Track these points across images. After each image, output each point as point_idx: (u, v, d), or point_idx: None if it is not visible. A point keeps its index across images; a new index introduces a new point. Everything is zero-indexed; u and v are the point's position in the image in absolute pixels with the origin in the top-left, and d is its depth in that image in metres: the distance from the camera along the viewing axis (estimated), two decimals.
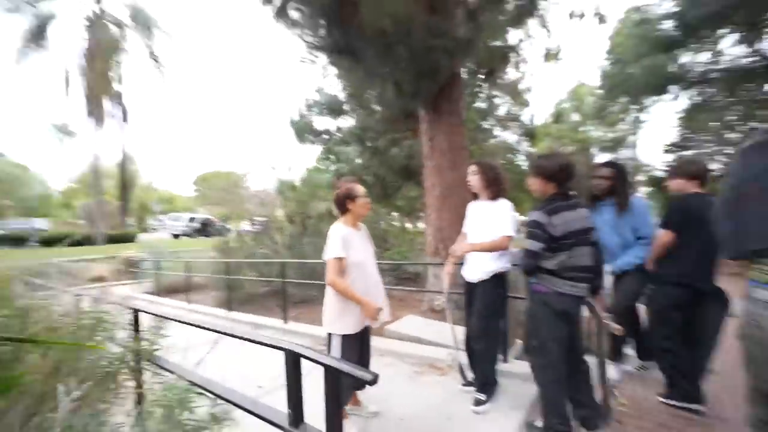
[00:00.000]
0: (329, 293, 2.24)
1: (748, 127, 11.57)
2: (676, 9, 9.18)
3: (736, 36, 9.49)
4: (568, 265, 1.98)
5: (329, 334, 2.20)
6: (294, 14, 4.72)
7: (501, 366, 2.77)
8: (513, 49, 6.07)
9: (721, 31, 9.24)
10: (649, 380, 2.79)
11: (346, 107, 13.45)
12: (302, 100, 13.95)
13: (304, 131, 11.33)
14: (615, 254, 2.72)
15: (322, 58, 6.86)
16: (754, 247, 1.26)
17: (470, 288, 2.50)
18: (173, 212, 30.53)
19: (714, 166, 10.70)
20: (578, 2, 14.13)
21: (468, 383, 2.72)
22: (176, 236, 24.87)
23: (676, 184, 2.50)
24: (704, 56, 10.25)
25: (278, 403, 1.30)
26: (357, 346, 2.21)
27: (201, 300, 6.94)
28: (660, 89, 10.47)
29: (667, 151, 14.97)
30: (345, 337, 2.15)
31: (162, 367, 1.70)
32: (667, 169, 15.09)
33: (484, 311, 2.38)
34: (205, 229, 26.88)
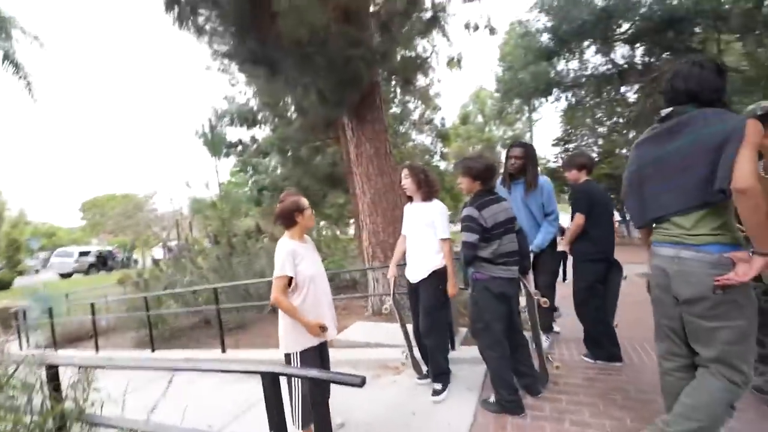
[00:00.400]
0: (281, 312, 2.16)
1: (612, 121, 14.01)
2: (551, 24, 10.70)
3: (594, 48, 11.45)
4: (500, 252, 2.22)
5: (286, 355, 2.12)
6: (200, 21, 4.44)
7: (451, 354, 2.94)
8: (426, 59, 6.47)
9: (585, 43, 11.03)
10: (571, 342, 3.23)
11: (260, 117, 12.95)
12: (210, 110, 12.97)
13: (217, 144, 10.57)
14: (530, 234, 2.96)
15: (232, 66, 6.54)
16: (652, 216, 1.56)
17: (413, 287, 2.62)
18: (59, 247, 25.87)
19: (593, 154, 12.73)
20: (472, 15, 15.48)
21: (423, 376, 2.85)
22: (66, 275, 21.08)
23: (572, 175, 2.95)
24: (574, 64, 12.12)
25: None
26: (317, 361, 2.16)
27: (115, 344, 6.03)
28: (545, 92, 12.07)
29: (554, 145, 17.40)
30: (303, 354, 2.10)
31: (98, 424, 1.49)
32: (555, 160, 17.57)
33: (430, 307, 2.52)
34: (103, 262, 23.32)
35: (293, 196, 2.19)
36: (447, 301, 2.57)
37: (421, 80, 13.13)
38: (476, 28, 7.46)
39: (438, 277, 2.50)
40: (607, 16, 9.46)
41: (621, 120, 13.33)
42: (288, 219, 2.16)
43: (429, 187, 2.57)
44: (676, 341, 1.45)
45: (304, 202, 2.18)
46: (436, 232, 2.53)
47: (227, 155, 13.99)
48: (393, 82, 9.94)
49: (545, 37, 11.31)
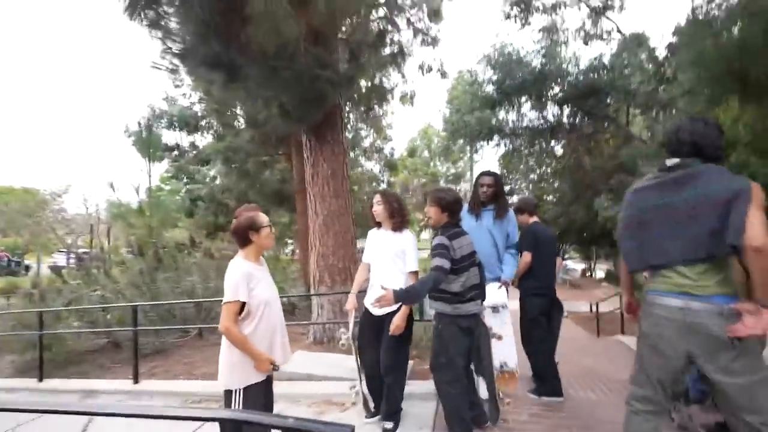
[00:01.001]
0: (225, 342, 1.88)
1: (542, 170, 15.53)
2: (496, 77, 11.75)
3: (530, 104, 12.79)
4: (467, 285, 2.19)
5: (227, 392, 1.83)
6: (157, 13, 4.06)
7: None
8: (388, 91, 6.63)
9: (523, 98, 12.25)
10: (522, 379, 3.29)
11: (203, 123, 12.11)
12: (146, 109, 11.83)
13: (149, 145, 9.57)
14: (491, 263, 2.85)
15: (183, 67, 6.08)
16: (654, 262, 1.51)
17: (375, 320, 2.48)
18: None
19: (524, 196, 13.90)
20: (427, 58, 16.47)
21: (372, 414, 2.65)
22: None
23: (523, 218, 3.13)
24: (513, 115, 13.36)
25: None
26: (262, 399, 1.89)
27: None
28: (487, 136, 13.06)
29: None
30: (248, 391, 1.83)
31: None
32: None
33: (395, 343, 2.38)
34: None
35: (250, 211, 1.97)
36: (410, 336, 2.46)
37: (376, 110, 13.60)
38: (429, 69, 7.91)
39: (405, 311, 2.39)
40: (543, 78, 10.68)
41: (549, 170, 14.84)
42: (242, 237, 1.93)
43: (401, 216, 2.50)
44: (659, 391, 1.46)
45: (262, 219, 1.97)
46: (405, 263, 2.44)
47: (160, 159, 12.80)
48: (348, 108, 10.04)
49: (490, 88, 12.37)
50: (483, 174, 3.03)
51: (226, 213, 13.42)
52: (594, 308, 8.78)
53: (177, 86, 11.06)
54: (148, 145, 8.57)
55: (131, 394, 3.74)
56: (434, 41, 6.37)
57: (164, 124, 11.88)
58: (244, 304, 1.83)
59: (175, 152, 14.28)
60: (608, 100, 10.30)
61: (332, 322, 4.66)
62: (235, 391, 1.81)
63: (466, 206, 2.91)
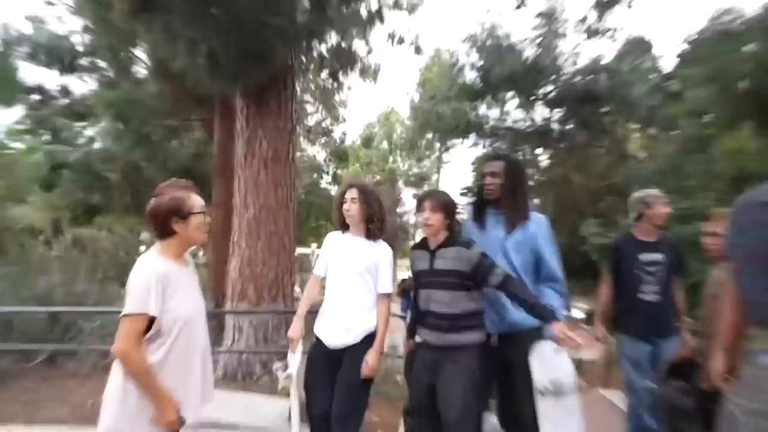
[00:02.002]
0: (116, 371, 1.66)
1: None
2: (481, 62, 12.28)
3: (517, 101, 13.54)
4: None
5: None
6: None
7: None
8: (360, 58, 6.57)
9: (509, 94, 12.93)
10: None
11: (84, 62, 11.05)
12: None
13: (6, 82, 8.52)
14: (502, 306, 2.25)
15: None
16: None
17: (331, 354, 2.37)
18: None
19: None
20: (398, 26, 16.78)
21: None
22: None
23: None
24: (495, 112, 14.04)
25: None
26: None
27: None
28: (464, 133, 13.57)
29: (462, 194, 19.47)
30: None
31: None
32: (462, 212, 19.62)
33: (356, 384, 2.28)
34: None
35: (177, 190, 1.77)
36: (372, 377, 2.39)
37: (328, 82, 13.44)
38: (401, 41, 8.01)
39: (370, 341, 2.31)
40: (536, 72, 11.38)
41: (530, 183, 15.77)
42: (162, 225, 1.72)
43: (381, 222, 2.42)
44: None
45: (195, 202, 1.78)
46: (376, 282, 2.37)
47: (11, 103, 11.44)
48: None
49: (473, 75, 12.91)
50: (489, 158, 2.58)
51: (104, 191, 12.36)
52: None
53: (49, 3, 10.02)
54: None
55: None
56: (412, 7, 6.44)
57: (22, 55, 10.70)
58: (153, 319, 1.63)
59: (36, 96, 12.93)
60: (605, 109, 11.20)
61: (253, 351, 4.45)
62: None
63: (466, 212, 2.60)
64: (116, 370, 1.66)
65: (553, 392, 2.01)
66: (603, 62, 11.25)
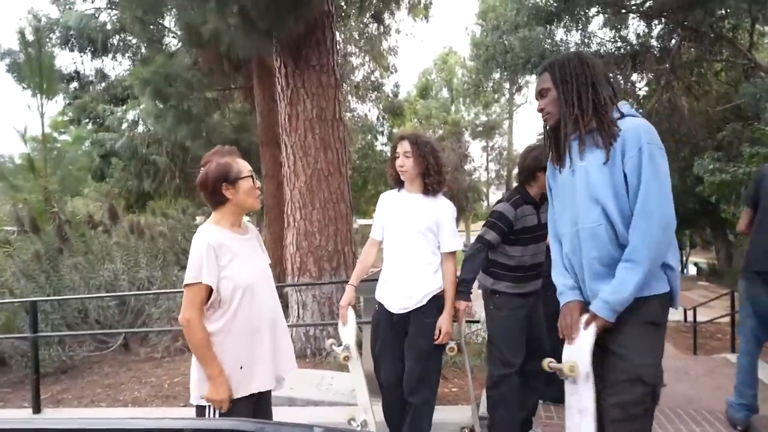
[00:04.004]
0: None
1: None
2: None
3: (603, 18, 12.57)
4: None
5: (198, 408, 1.87)
6: None
7: None
8: None
9: (593, 11, 12.02)
10: None
11: (115, 41, 11.73)
12: (25, 16, 11.39)
13: (45, 71, 9.33)
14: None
15: None
16: None
17: (395, 320, 2.50)
18: None
19: None
20: None
21: None
22: None
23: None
24: (576, 36, 13.16)
25: None
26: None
27: None
28: (537, 67, 12.89)
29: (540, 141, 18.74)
30: (228, 409, 1.87)
31: None
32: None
33: (425, 350, 2.42)
34: None
35: (222, 156, 1.94)
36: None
37: (372, 28, 13.27)
38: None
39: (439, 305, 2.42)
40: None
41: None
42: (213, 194, 1.91)
43: (439, 174, 2.47)
44: None
45: (241, 166, 1.95)
46: (440, 240, 2.44)
47: (52, 94, 12.50)
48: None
49: None
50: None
51: (153, 175, 13.33)
52: (689, 317, 8.93)
53: None
54: (39, 69, 8.34)
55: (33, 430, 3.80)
56: None
57: (55, 40, 11.53)
58: (213, 289, 1.83)
59: (75, 84, 13.96)
60: (723, 11, 10.07)
61: (320, 324, 4.74)
62: (209, 407, 1.85)
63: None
64: None
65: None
66: None
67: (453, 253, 2.49)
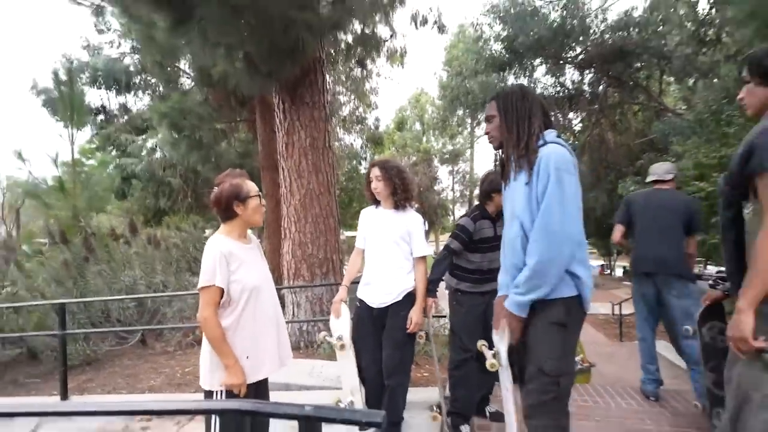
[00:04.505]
0: (205, 339, 1.89)
1: None
2: (505, 33, 11.80)
3: (545, 67, 12.95)
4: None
5: (207, 393, 1.84)
6: None
7: None
8: (383, 41, 6.57)
9: (537, 61, 12.39)
10: None
11: (137, 80, 11.66)
12: (59, 59, 11.28)
13: (71, 105, 9.18)
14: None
15: (114, 4, 5.87)
16: None
17: (375, 314, 2.52)
18: None
19: None
20: (421, 7, 16.37)
21: (363, 426, 2.70)
22: None
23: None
24: (524, 81, 13.50)
25: None
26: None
27: None
28: None
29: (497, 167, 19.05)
30: (233, 394, 1.85)
31: None
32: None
33: (401, 339, 2.44)
34: None
35: (234, 177, 1.96)
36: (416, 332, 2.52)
37: (357, 72, 13.42)
38: (424, 22, 7.80)
39: (412, 300, 2.44)
40: (563, 35, 10.79)
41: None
42: (225, 210, 1.92)
43: (405, 192, 2.51)
44: None
45: (250, 187, 1.96)
46: (411, 247, 2.48)
47: (82, 125, 12.29)
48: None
49: (498, 46, 12.44)
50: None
51: (168, 195, 13.16)
52: (616, 311, 9.13)
53: (101, 31, 10.59)
54: (71, 104, 8.20)
55: (61, 413, 3.67)
56: None
57: (85, 80, 11.42)
58: (224, 291, 1.83)
59: (101, 117, 13.78)
60: (639, 64, 10.52)
61: (312, 320, 4.71)
62: (217, 392, 1.83)
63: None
64: (205, 338, 1.89)
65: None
66: (633, 16, 10.51)
67: (424, 258, 2.52)
